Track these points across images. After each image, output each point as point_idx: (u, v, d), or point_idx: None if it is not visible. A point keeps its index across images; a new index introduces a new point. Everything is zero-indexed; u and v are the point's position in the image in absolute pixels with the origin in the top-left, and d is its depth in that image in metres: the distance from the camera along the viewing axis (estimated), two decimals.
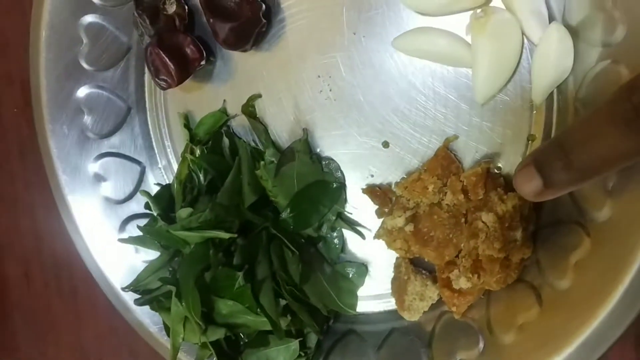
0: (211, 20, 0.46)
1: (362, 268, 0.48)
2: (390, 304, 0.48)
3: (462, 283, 0.41)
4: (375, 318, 0.49)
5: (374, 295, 0.49)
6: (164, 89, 0.48)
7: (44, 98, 0.51)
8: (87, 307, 0.63)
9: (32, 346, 0.67)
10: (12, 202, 0.65)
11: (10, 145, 0.63)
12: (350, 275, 0.48)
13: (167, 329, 0.49)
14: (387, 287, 0.48)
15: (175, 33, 0.48)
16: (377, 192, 0.46)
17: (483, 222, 0.41)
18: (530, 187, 0.33)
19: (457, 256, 0.43)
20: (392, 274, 0.47)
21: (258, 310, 0.45)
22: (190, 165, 0.48)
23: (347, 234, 0.48)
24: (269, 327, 0.46)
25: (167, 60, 0.47)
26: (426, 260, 0.44)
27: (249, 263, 0.46)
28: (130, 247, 0.53)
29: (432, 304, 0.45)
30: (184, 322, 0.47)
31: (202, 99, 0.51)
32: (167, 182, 0.54)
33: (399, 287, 0.46)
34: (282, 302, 0.46)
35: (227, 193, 0.46)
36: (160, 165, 0.54)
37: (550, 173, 0.32)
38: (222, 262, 0.46)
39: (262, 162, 0.46)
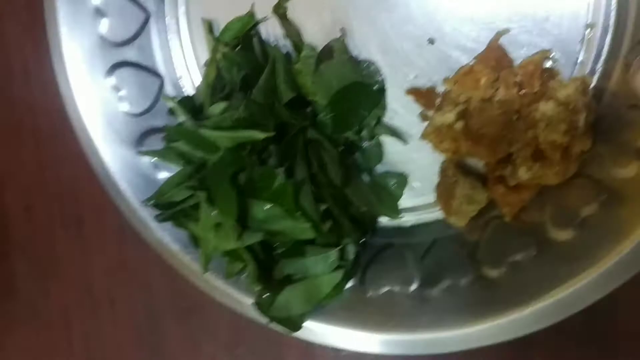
0: None
1: (403, 178, 0.46)
2: (430, 216, 0.46)
3: (522, 173, 0.39)
4: (416, 231, 0.46)
5: (413, 207, 0.46)
6: None
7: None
8: (94, 240, 0.60)
9: (33, 285, 0.63)
10: (13, 130, 0.60)
11: (12, 67, 0.59)
12: (390, 186, 0.46)
13: (194, 241, 0.46)
14: (426, 199, 0.46)
15: None
16: (422, 93, 0.44)
17: (542, 112, 0.39)
18: None
19: (509, 155, 0.41)
20: (431, 184, 0.45)
21: (297, 214, 0.42)
22: (221, 63, 0.45)
23: (385, 143, 0.46)
24: (306, 236, 0.43)
25: None
26: (477, 158, 0.42)
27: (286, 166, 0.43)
28: (148, 165, 0.50)
29: (479, 210, 0.43)
30: (216, 230, 0.44)
31: (226, 4, 0.48)
32: (187, 94, 0.51)
33: (445, 191, 0.43)
34: (322, 207, 0.43)
35: (261, 91, 0.43)
36: (180, 78, 0.51)
37: None
38: (255, 165, 0.43)
39: (302, 54, 0.44)
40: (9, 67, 0.60)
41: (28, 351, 0.64)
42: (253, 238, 0.42)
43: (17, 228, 0.63)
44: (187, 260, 0.49)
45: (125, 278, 0.59)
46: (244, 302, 0.48)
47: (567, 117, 0.38)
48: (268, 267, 0.44)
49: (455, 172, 0.43)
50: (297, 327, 0.45)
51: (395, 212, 0.45)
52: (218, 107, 0.43)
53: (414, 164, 0.46)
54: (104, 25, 0.49)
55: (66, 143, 0.58)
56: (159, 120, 0.50)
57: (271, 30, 0.47)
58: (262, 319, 0.47)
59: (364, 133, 0.45)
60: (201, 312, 0.56)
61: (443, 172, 0.44)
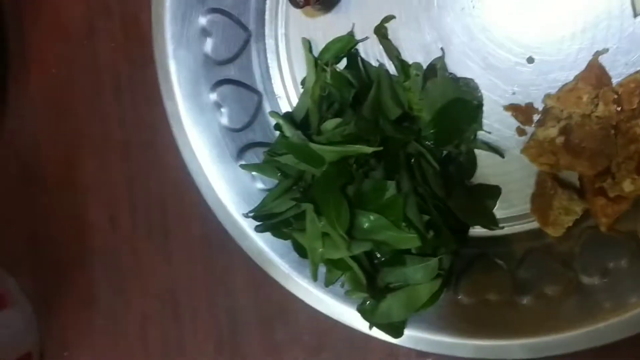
0: None
1: (496, 189, 0.48)
2: (523, 226, 0.48)
3: (627, 186, 0.41)
4: (508, 240, 0.48)
5: (505, 219, 0.48)
6: (300, 6, 0.48)
7: (166, 19, 0.51)
8: (180, 249, 0.61)
9: (113, 295, 0.65)
10: (101, 142, 0.63)
11: (103, 83, 0.62)
12: (483, 197, 0.48)
13: (299, 250, 0.48)
14: (518, 210, 0.48)
15: None
16: (521, 109, 0.46)
17: None
18: None
19: (607, 168, 0.43)
20: (523, 196, 0.47)
21: (403, 225, 0.44)
22: (330, 81, 0.47)
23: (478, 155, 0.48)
24: (412, 245, 0.45)
25: None
26: (575, 171, 0.44)
27: (391, 179, 0.45)
28: (245, 177, 0.53)
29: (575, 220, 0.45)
30: (322, 239, 0.46)
31: (326, 25, 0.51)
32: (284, 111, 0.53)
33: (543, 202, 0.45)
34: (425, 218, 0.45)
35: (369, 107, 0.46)
36: (277, 95, 0.54)
37: None
38: (362, 178, 0.46)
39: (412, 73, 0.46)
40: (99, 81, 0.62)
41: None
42: (361, 247, 0.45)
43: (100, 238, 0.65)
44: (284, 269, 0.51)
45: (208, 287, 0.60)
46: (332, 306, 0.50)
47: None
48: (371, 275, 0.46)
49: (553, 184, 0.45)
50: (400, 333, 0.47)
51: (494, 223, 0.47)
52: (331, 124, 0.45)
53: (506, 176, 0.48)
54: (208, 45, 0.52)
55: (154, 156, 0.61)
56: (257, 136, 0.53)
57: (369, 50, 0.50)
58: (348, 324, 0.50)
59: (462, 147, 0.47)
60: (285, 319, 0.58)
61: (540, 184, 0.46)
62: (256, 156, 0.53)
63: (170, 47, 0.51)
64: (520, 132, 0.47)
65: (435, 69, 0.47)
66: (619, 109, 0.43)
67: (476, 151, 0.48)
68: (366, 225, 0.45)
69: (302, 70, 0.52)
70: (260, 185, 0.53)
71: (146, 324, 0.64)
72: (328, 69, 0.48)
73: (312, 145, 0.46)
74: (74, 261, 0.66)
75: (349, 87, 0.47)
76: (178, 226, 0.61)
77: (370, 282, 0.46)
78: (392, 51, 0.48)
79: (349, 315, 0.49)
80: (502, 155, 0.47)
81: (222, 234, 0.54)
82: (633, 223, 0.44)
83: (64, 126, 0.64)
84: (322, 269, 0.48)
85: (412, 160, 0.46)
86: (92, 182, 0.64)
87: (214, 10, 0.51)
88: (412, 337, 0.48)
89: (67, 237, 0.66)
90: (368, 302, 0.47)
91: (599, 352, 0.44)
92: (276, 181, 0.51)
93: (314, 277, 0.46)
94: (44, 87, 0.65)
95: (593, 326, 0.44)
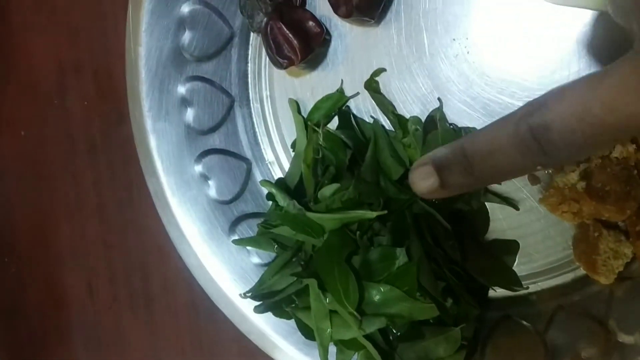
0: None
1: (514, 245, 0.44)
2: (547, 283, 0.44)
3: None
4: (533, 300, 0.44)
5: (526, 275, 0.44)
6: (284, 67, 0.44)
7: (142, 91, 0.47)
8: (164, 320, 0.57)
9: None
10: (76, 205, 0.59)
11: (76, 143, 0.58)
12: (501, 254, 0.44)
13: (304, 331, 0.44)
14: (540, 265, 0.44)
15: (294, 8, 0.45)
16: None
17: None
18: (425, 184, 0.34)
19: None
20: (544, 249, 0.44)
21: (417, 294, 0.40)
22: (323, 143, 0.43)
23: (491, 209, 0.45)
24: (429, 316, 0.41)
25: (290, 35, 0.43)
26: (604, 218, 0.40)
27: (399, 245, 0.41)
28: (239, 253, 0.48)
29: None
30: (330, 318, 0.42)
31: (313, 84, 0.48)
32: (276, 177, 0.50)
33: (587, 247, 0.41)
34: (441, 284, 0.41)
35: (368, 168, 0.42)
36: (267, 161, 0.50)
37: (449, 175, 0.33)
38: (368, 246, 0.42)
39: (411, 128, 0.42)
40: (72, 141, 0.58)
41: None
42: (375, 324, 0.40)
43: (79, 309, 0.60)
44: (288, 351, 0.47)
45: (197, 358, 0.56)
46: None
47: None
48: (387, 353, 0.42)
49: (596, 226, 0.41)
50: None
51: (517, 283, 0.43)
52: (329, 190, 0.41)
53: (523, 229, 0.44)
54: (189, 114, 0.48)
55: (132, 218, 0.57)
56: (249, 206, 0.49)
57: (361, 106, 0.47)
58: None
59: (473, 202, 0.43)
60: None
61: (582, 227, 0.42)
62: (250, 228, 0.49)
63: (148, 122, 0.48)
64: (533, 179, 0.43)
65: (435, 121, 0.43)
66: (635, 147, 0.40)
67: (488, 205, 0.44)
68: (377, 297, 0.41)
69: (291, 133, 0.48)
70: (256, 259, 0.49)
71: None
72: (320, 130, 0.44)
73: (310, 215, 0.42)
74: (52, 335, 0.61)
75: (344, 148, 0.43)
76: (162, 294, 0.57)
77: None
78: (386, 106, 0.45)
79: None
80: (516, 207, 0.44)
81: (210, 302, 0.49)
82: None
83: (37, 190, 0.60)
84: (332, 348, 0.44)
85: (421, 222, 0.42)
86: (67, 248, 0.60)
87: (194, 78, 0.48)
88: None
89: (43, 309, 0.62)
90: None
91: None
92: (273, 254, 0.47)
93: None
94: (14, 150, 0.61)
95: None
